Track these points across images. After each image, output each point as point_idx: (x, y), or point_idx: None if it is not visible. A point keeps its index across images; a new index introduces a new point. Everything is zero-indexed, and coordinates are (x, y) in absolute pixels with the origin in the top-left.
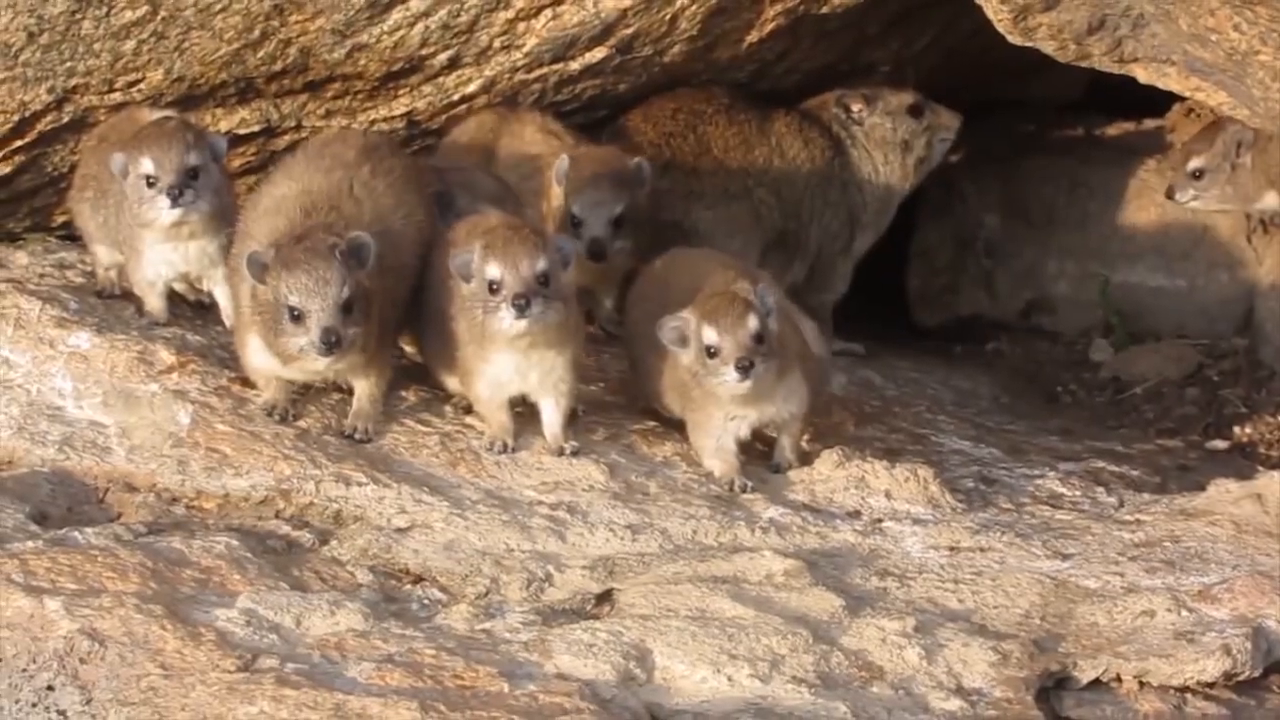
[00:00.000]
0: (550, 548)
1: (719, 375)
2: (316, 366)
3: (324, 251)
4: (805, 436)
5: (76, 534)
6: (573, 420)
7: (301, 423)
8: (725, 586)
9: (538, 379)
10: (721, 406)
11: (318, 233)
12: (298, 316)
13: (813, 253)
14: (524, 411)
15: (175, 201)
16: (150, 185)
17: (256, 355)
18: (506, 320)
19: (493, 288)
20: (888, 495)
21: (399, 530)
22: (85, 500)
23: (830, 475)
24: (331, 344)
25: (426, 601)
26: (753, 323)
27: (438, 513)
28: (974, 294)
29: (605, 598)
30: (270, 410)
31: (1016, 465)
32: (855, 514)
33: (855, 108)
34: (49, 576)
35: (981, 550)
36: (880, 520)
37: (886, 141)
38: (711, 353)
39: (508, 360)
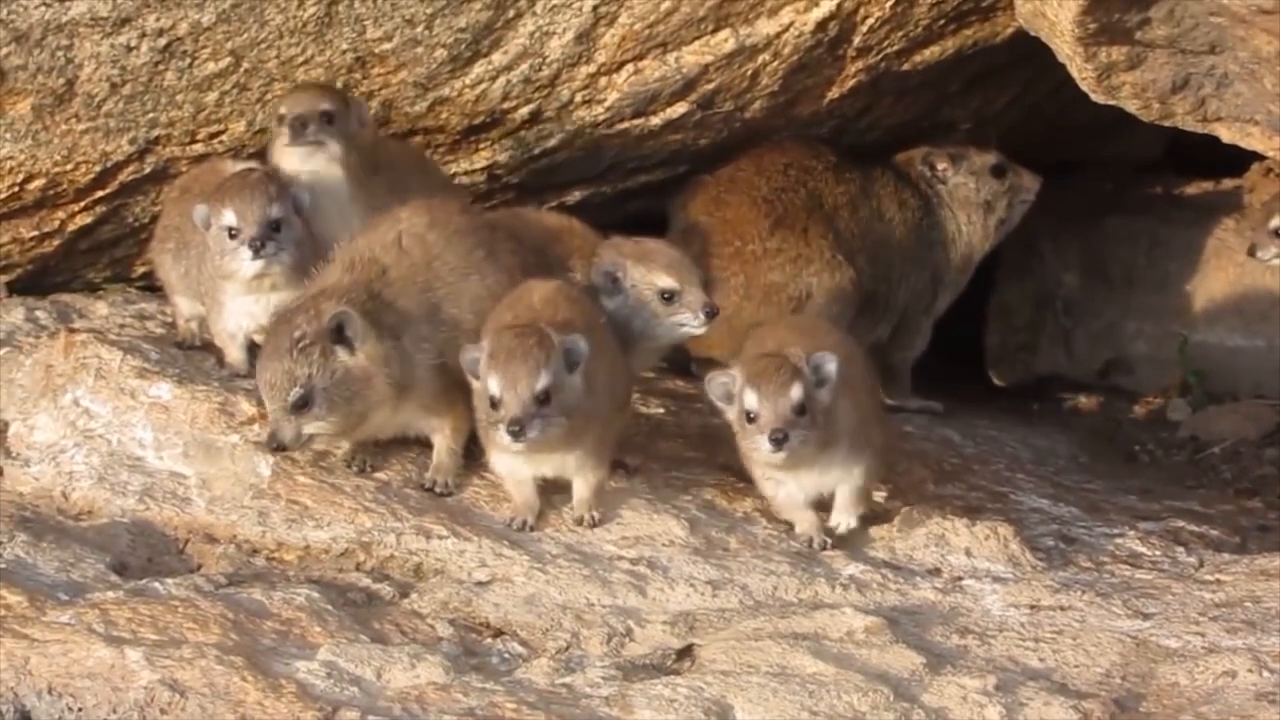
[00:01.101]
0: (631, 602)
1: (754, 441)
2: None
3: (286, 344)
4: (878, 496)
5: (157, 584)
6: (634, 474)
7: (382, 475)
8: (806, 643)
9: (553, 470)
10: (761, 468)
11: (296, 316)
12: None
13: (897, 313)
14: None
15: (257, 253)
16: (232, 237)
17: None
18: (505, 440)
19: (493, 403)
20: (968, 553)
21: (479, 584)
22: (165, 551)
23: (910, 532)
24: (277, 446)
25: (507, 655)
26: (795, 392)
27: (518, 566)
28: (1052, 353)
29: (686, 653)
30: (350, 462)
31: (1096, 524)
32: (935, 571)
33: (940, 166)
34: (130, 627)
35: (1062, 609)
36: (960, 578)
37: (970, 201)
38: (750, 418)
39: (516, 458)
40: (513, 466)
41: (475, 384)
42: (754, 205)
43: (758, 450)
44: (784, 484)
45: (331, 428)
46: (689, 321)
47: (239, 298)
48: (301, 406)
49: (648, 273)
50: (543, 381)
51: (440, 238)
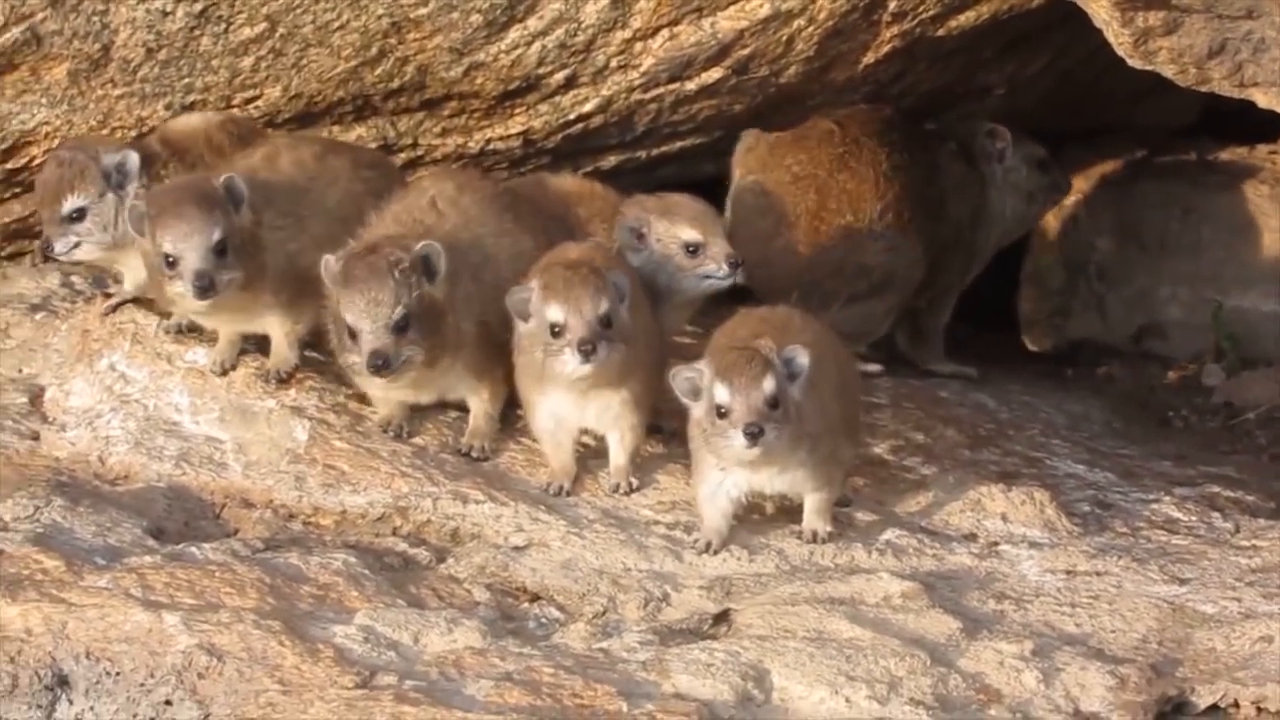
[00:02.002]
0: (667, 567)
1: (726, 437)
2: (369, 388)
3: (382, 269)
4: (915, 461)
5: (194, 549)
6: (671, 438)
7: (418, 440)
8: (842, 608)
9: (596, 415)
10: (723, 461)
11: (384, 246)
12: (353, 335)
13: (936, 286)
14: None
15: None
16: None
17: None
18: (572, 363)
19: (555, 330)
20: (1004, 518)
21: (516, 548)
22: (201, 516)
23: (947, 498)
24: (379, 366)
25: (544, 620)
26: (769, 385)
27: (555, 531)
28: (1086, 318)
29: (722, 618)
30: (386, 427)
31: (1131, 490)
32: (972, 536)
33: (1000, 145)
34: (167, 591)
35: (1098, 574)
36: (997, 543)
37: (1018, 188)
38: (721, 412)
39: (566, 398)
40: (559, 414)
41: (523, 325)
42: (829, 174)
43: (730, 446)
44: (732, 477)
45: (420, 356)
46: (714, 273)
47: None
48: (402, 328)
49: (671, 226)
50: (604, 305)
51: (472, 201)
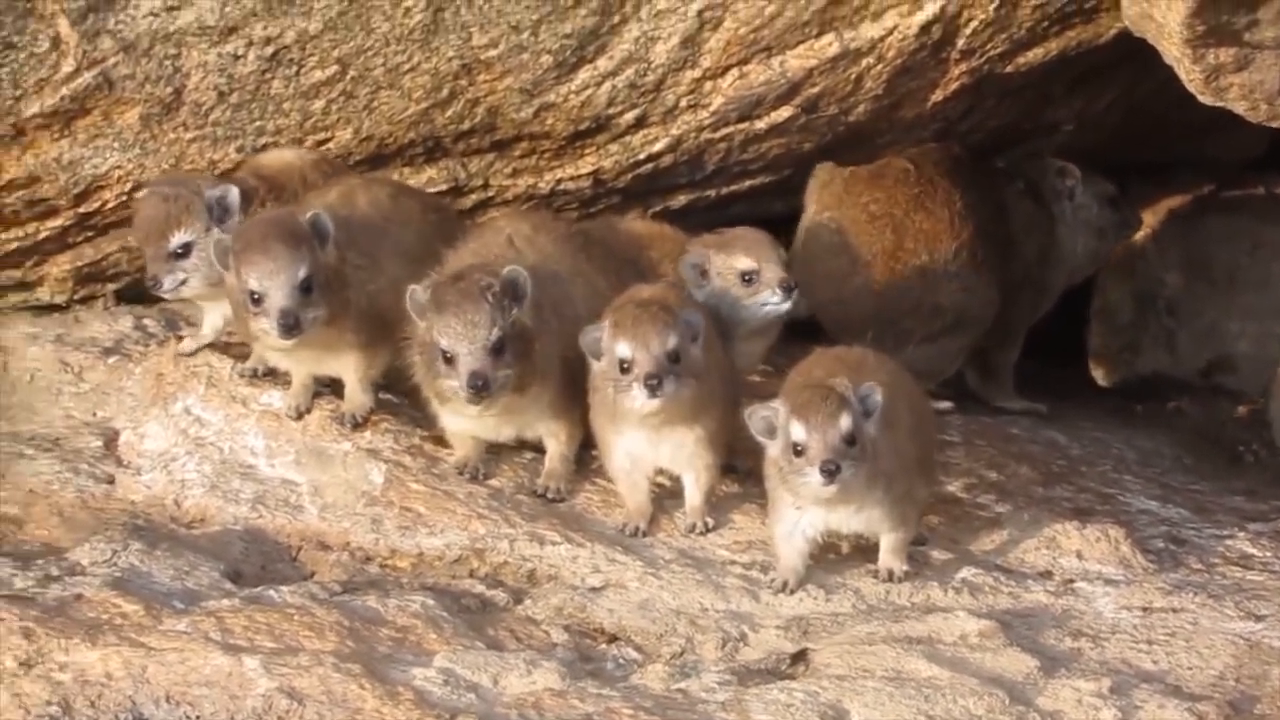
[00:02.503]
0: (744, 607)
1: (803, 475)
2: (468, 412)
3: (475, 293)
4: (989, 498)
5: (272, 592)
6: (746, 477)
7: (494, 481)
8: (920, 647)
9: (670, 454)
10: (800, 499)
11: (473, 272)
12: (449, 359)
13: (1008, 324)
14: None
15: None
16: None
17: (445, 417)
18: (639, 398)
19: (624, 366)
20: (1079, 555)
21: (593, 589)
22: (278, 558)
23: (1021, 535)
24: (479, 388)
25: (622, 661)
26: (845, 422)
27: (631, 572)
28: (1155, 353)
29: (800, 657)
30: (463, 469)
31: (1204, 526)
32: (1047, 574)
33: (1069, 182)
34: (246, 635)
35: (1174, 611)
36: (1072, 580)
37: (1089, 225)
38: (798, 450)
39: (640, 437)
40: (633, 453)
41: (596, 364)
42: (905, 213)
43: (807, 484)
44: (808, 515)
45: (512, 382)
46: (770, 299)
47: None
48: (498, 350)
49: (728, 257)
50: (672, 341)
51: (548, 240)
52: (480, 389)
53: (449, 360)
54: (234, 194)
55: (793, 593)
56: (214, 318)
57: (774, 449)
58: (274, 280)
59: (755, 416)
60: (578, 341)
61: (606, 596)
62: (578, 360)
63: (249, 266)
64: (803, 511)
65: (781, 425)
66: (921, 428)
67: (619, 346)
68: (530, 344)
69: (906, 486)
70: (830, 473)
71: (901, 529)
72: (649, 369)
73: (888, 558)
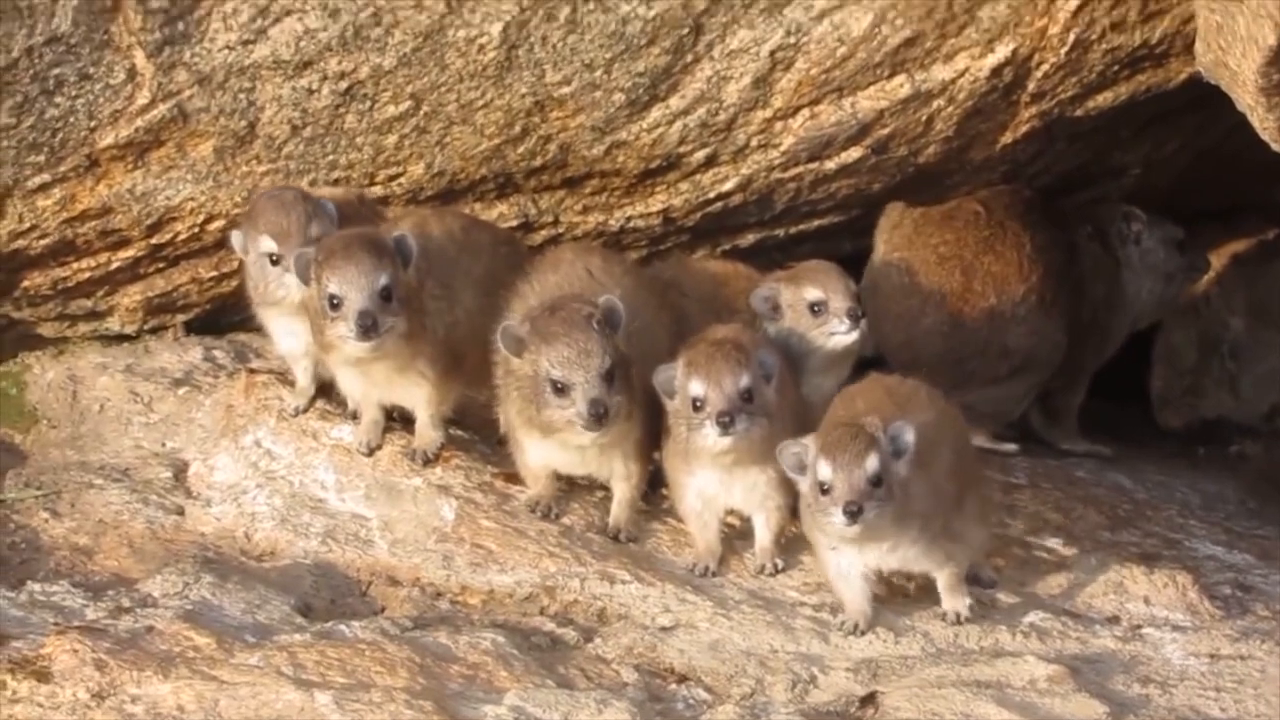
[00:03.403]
0: (814, 649)
1: (828, 514)
2: (582, 441)
3: (581, 321)
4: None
5: (343, 627)
6: None
7: (565, 519)
8: (989, 691)
9: (742, 495)
10: (829, 538)
11: (570, 302)
12: (561, 389)
13: (1073, 367)
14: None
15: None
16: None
17: (533, 451)
18: (710, 436)
19: (696, 405)
20: (1146, 601)
21: (663, 629)
22: (348, 593)
23: (1089, 580)
24: (600, 415)
25: (692, 701)
26: (871, 463)
27: (702, 612)
28: (1218, 396)
29: (869, 700)
30: (535, 506)
31: (1271, 572)
32: (1114, 619)
33: (1136, 228)
34: (318, 669)
35: (1242, 658)
36: (1140, 626)
37: (1156, 270)
38: (824, 489)
39: (712, 476)
40: (705, 493)
41: (669, 403)
42: (975, 255)
43: (831, 522)
44: (843, 554)
45: (623, 410)
46: (837, 329)
47: None
48: (610, 377)
49: (798, 289)
50: (745, 379)
51: (622, 273)
52: (600, 416)
53: (560, 390)
54: (330, 207)
55: (863, 634)
56: (304, 379)
57: (804, 485)
58: (354, 284)
59: (786, 452)
60: (649, 380)
61: (677, 636)
62: (650, 399)
63: (330, 271)
64: (838, 551)
65: (810, 463)
66: (964, 468)
67: (692, 385)
68: (629, 371)
69: (944, 524)
70: (852, 514)
71: (949, 565)
72: (722, 407)
73: (948, 599)
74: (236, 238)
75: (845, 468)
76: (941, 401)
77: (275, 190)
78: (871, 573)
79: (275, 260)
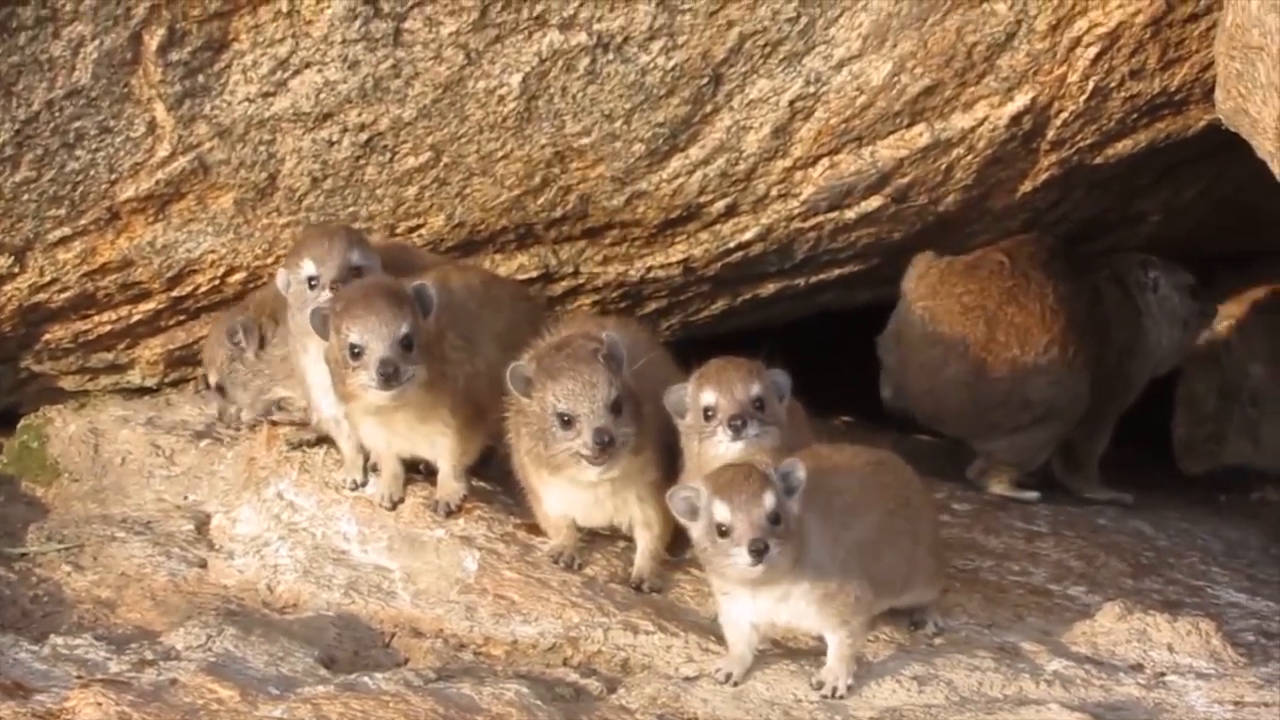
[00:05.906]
0: (839, 698)
1: (729, 556)
2: (589, 476)
3: (586, 355)
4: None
5: (367, 679)
6: None
7: (588, 570)
8: None
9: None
10: (726, 582)
11: (575, 339)
12: (568, 422)
13: (1094, 415)
14: None
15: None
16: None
17: (549, 498)
18: (723, 444)
19: (708, 414)
20: (1170, 648)
21: (687, 679)
22: (371, 645)
23: (1112, 628)
24: (605, 444)
25: None
26: (769, 500)
27: (725, 662)
28: (1239, 443)
29: None
30: (557, 557)
31: None
32: (1138, 667)
33: (1153, 274)
34: None
35: (1265, 705)
36: (1163, 674)
37: (1174, 316)
38: (723, 531)
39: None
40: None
41: (681, 423)
42: (998, 306)
43: (734, 565)
44: (736, 600)
45: (629, 443)
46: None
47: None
48: (617, 409)
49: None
50: (756, 388)
51: (635, 329)
52: (606, 445)
53: (567, 423)
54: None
55: (736, 685)
56: (351, 451)
57: (696, 530)
58: (375, 333)
59: (676, 498)
60: (664, 435)
61: (700, 686)
62: (664, 449)
63: (350, 321)
64: (731, 597)
65: (704, 506)
66: (907, 526)
67: (703, 395)
68: (638, 405)
69: (841, 582)
70: (758, 552)
71: (842, 631)
72: (733, 411)
73: (832, 665)
74: (281, 276)
75: (744, 507)
76: (877, 465)
77: (319, 223)
78: (763, 625)
79: (313, 284)
